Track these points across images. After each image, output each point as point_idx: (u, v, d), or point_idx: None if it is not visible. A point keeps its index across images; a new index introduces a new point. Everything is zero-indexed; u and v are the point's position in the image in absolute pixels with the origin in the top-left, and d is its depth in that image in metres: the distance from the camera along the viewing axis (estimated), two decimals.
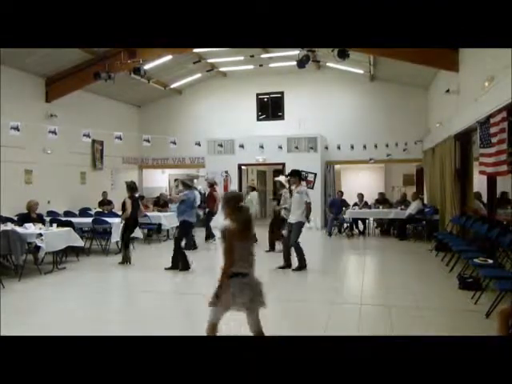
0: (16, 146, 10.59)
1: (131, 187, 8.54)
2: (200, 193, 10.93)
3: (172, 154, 15.61)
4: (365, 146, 14.15)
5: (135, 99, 16.20)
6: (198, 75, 15.21)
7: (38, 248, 7.51)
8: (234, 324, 5.10)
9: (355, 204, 13.01)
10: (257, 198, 11.25)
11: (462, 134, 8.66)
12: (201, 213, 10.43)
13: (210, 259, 9.64)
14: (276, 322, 5.17)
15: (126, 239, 8.57)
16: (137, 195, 8.74)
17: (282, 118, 15.62)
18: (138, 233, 10.31)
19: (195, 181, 10.32)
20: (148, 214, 11.40)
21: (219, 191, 11.89)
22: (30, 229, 7.80)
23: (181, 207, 8.00)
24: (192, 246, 9.99)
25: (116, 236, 9.46)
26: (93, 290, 6.78)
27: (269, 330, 4.72)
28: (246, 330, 4.70)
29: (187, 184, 8.20)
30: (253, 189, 11.50)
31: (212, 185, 10.78)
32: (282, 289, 6.74)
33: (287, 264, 7.87)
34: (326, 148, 14.87)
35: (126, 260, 8.48)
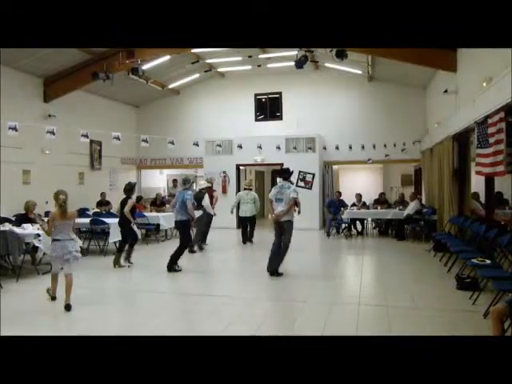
0: (14, 146, 10.58)
1: (124, 189, 8.53)
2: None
3: (170, 154, 15.61)
4: (363, 147, 14.18)
5: (133, 99, 16.20)
6: (196, 75, 15.22)
7: (35, 248, 7.50)
8: (233, 323, 5.12)
9: (353, 204, 13.02)
10: (245, 198, 11.15)
11: (460, 135, 8.68)
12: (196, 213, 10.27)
13: (207, 260, 9.64)
14: (276, 321, 5.17)
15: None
16: (132, 197, 8.57)
17: (280, 118, 15.63)
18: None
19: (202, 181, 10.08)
20: (146, 214, 11.41)
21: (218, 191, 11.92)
22: (28, 229, 7.78)
23: None
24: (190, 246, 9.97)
25: (114, 236, 9.45)
26: (91, 291, 6.77)
27: (269, 330, 4.73)
28: (244, 330, 4.71)
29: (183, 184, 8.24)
30: (245, 189, 11.44)
31: (212, 184, 10.69)
32: (281, 289, 6.75)
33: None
34: (325, 148, 14.88)
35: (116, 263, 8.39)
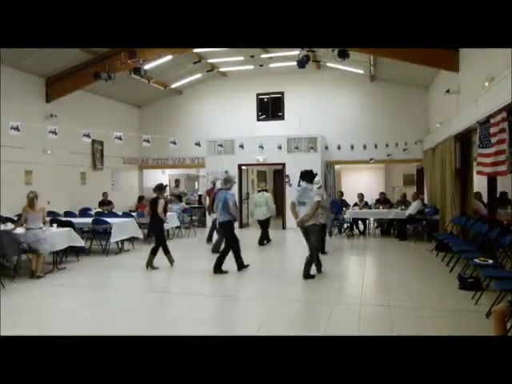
0: (16, 146, 10.60)
1: (157, 187, 8.42)
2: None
3: (172, 154, 15.62)
4: (365, 146, 14.17)
5: (135, 99, 16.21)
6: (198, 75, 15.22)
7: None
8: (234, 323, 5.12)
9: (355, 204, 13.00)
10: (258, 201, 10.95)
11: (462, 134, 8.66)
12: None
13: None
14: (276, 321, 5.17)
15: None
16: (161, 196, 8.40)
17: (282, 118, 15.63)
18: (137, 233, 10.33)
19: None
20: (146, 215, 11.39)
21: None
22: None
23: None
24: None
25: (116, 236, 9.46)
26: (93, 290, 6.79)
27: (270, 330, 4.73)
28: (245, 330, 4.71)
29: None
30: (259, 191, 11.23)
31: (214, 184, 10.56)
32: (282, 288, 6.74)
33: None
34: (326, 148, 14.88)
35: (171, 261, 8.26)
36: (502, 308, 3.76)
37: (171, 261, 8.21)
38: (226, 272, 7.60)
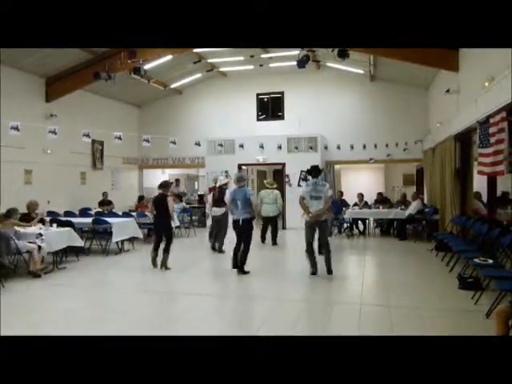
0: (16, 146, 10.60)
1: (162, 185, 8.28)
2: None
3: (172, 154, 15.64)
4: (365, 146, 14.18)
5: (135, 99, 16.21)
6: (198, 75, 15.22)
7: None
8: (234, 323, 5.12)
9: (355, 204, 13.00)
10: (266, 198, 10.83)
11: (462, 134, 8.66)
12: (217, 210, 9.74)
13: (210, 260, 9.63)
14: (276, 321, 5.17)
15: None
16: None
17: (281, 117, 15.64)
18: (137, 233, 10.33)
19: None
20: (148, 213, 11.39)
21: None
22: (30, 229, 7.82)
23: None
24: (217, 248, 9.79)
25: (117, 236, 9.45)
26: (93, 290, 6.79)
27: (270, 330, 4.73)
28: (245, 330, 4.71)
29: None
30: (267, 188, 11.02)
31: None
32: (282, 288, 6.74)
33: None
34: (326, 148, 14.88)
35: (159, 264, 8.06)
36: (503, 309, 3.74)
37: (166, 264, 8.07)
38: (248, 272, 7.51)
